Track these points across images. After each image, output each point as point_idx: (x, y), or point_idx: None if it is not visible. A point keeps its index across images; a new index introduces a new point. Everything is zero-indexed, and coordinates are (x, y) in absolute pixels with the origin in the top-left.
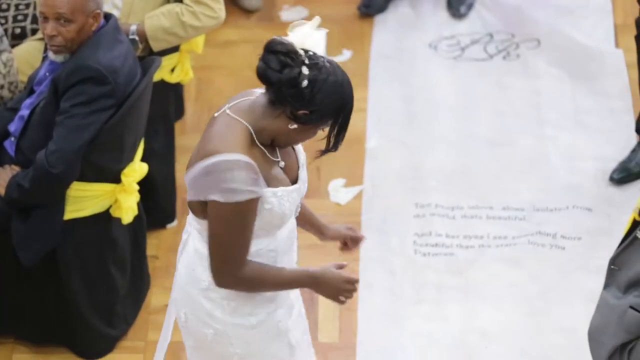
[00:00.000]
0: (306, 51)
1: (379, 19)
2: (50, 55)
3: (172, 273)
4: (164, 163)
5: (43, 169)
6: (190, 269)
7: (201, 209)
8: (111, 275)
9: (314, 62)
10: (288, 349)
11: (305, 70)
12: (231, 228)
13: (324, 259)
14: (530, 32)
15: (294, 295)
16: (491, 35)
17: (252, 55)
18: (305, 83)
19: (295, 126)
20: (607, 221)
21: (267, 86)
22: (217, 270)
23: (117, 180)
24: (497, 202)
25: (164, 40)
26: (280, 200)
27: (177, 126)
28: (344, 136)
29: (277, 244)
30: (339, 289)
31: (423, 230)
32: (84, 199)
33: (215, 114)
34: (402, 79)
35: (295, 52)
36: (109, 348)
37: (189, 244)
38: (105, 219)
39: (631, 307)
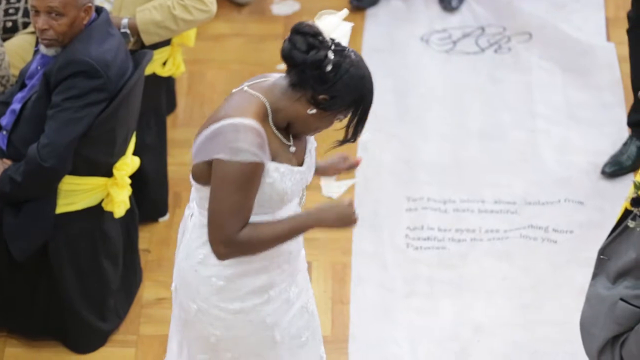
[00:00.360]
0: (332, 39)
1: (371, 12)
2: (42, 48)
3: (164, 266)
4: (156, 157)
5: (35, 163)
6: (189, 244)
7: (206, 172)
8: (103, 269)
9: (340, 49)
10: (270, 344)
11: (330, 55)
12: (232, 189)
13: (324, 249)
14: (522, 26)
15: (296, 291)
16: (483, 29)
17: (243, 49)
18: (329, 67)
19: (314, 111)
20: (599, 214)
21: (290, 68)
22: (215, 237)
23: (109, 174)
24: (489, 195)
25: (156, 33)
26: (283, 177)
27: (169, 120)
28: (362, 128)
29: None
30: (347, 214)
31: (415, 224)
32: (76, 193)
33: (233, 91)
34: (393, 72)
35: (323, 36)
36: (101, 342)
37: (190, 220)
38: (97, 212)
39: (621, 299)
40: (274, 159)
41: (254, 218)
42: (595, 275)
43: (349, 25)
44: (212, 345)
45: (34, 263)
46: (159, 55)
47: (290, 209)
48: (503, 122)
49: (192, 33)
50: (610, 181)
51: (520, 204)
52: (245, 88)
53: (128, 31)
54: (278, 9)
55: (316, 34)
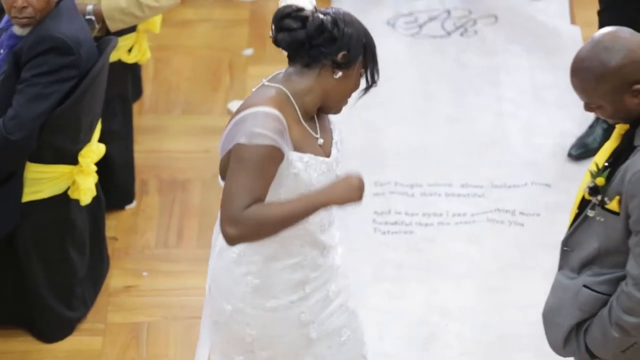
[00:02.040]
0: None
1: None
2: (16, 29)
3: (131, 254)
4: (122, 144)
5: (0, 136)
6: (222, 243)
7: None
8: (70, 258)
9: (322, 9)
10: (306, 342)
11: (322, 16)
12: (245, 171)
13: None
14: (488, 8)
15: (335, 288)
16: (449, 12)
17: (210, 34)
18: (330, 25)
19: (340, 74)
20: (566, 197)
21: (295, 52)
22: (223, 217)
23: (74, 161)
24: (456, 179)
25: (121, 20)
26: (307, 167)
27: (135, 106)
28: (377, 68)
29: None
30: (357, 186)
31: (382, 209)
32: (42, 181)
33: (253, 89)
34: None
35: (304, 7)
36: (69, 330)
37: None
38: (63, 200)
39: (585, 285)
40: (297, 149)
41: None
42: (560, 267)
43: None
44: (248, 345)
45: None
46: (124, 42)
47: None
48: (470, 105)
49: (157, 19)
50: (576, 164)
51: (487, 188)
52: (266, 83)
53: (93, 18)
54: None
55: (298, 9)
